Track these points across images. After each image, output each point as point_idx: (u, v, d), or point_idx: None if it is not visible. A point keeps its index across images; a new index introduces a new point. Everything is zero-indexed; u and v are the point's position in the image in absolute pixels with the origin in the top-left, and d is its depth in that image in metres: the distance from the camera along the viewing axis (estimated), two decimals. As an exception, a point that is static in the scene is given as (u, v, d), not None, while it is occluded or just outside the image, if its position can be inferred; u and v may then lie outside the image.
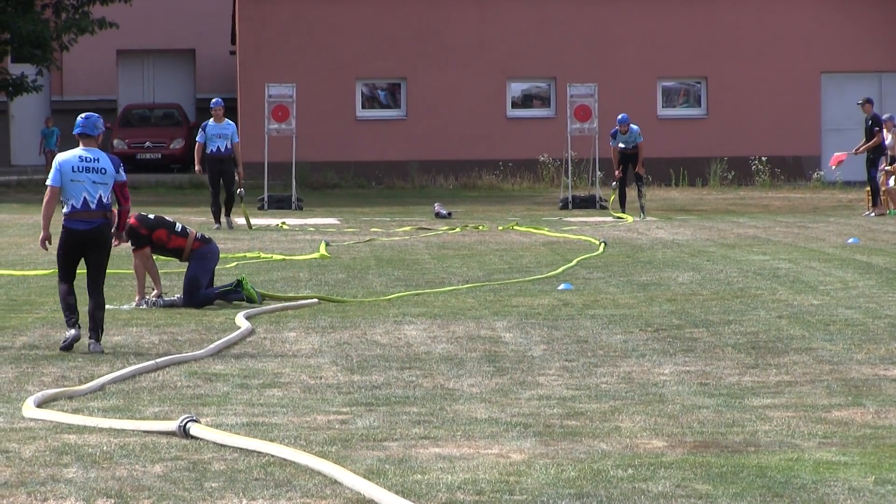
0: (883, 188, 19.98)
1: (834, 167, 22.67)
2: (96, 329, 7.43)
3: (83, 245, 7.57)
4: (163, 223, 9.93)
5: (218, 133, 17.50)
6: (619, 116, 20.51)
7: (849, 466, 4.15)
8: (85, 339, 7.48)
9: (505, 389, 6.23)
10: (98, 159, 7.56)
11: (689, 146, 28.34)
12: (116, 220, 7.84)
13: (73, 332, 7.35)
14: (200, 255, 9.90)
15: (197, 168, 18.00)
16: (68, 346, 7.37)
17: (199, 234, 10.15)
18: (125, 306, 9.78)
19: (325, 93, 27.88)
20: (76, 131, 7.73)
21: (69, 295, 7.51)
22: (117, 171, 7.63)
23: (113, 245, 7.89)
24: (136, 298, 9.80)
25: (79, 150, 7.64)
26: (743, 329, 8.49)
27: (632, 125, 20.30)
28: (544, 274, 12.22)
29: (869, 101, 20.94)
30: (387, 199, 25.77)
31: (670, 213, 21.51)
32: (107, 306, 7.95)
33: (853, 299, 10.17)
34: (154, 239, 9.74)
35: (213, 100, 18.69)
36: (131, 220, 9.09)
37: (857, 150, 20.73)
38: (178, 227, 10.01)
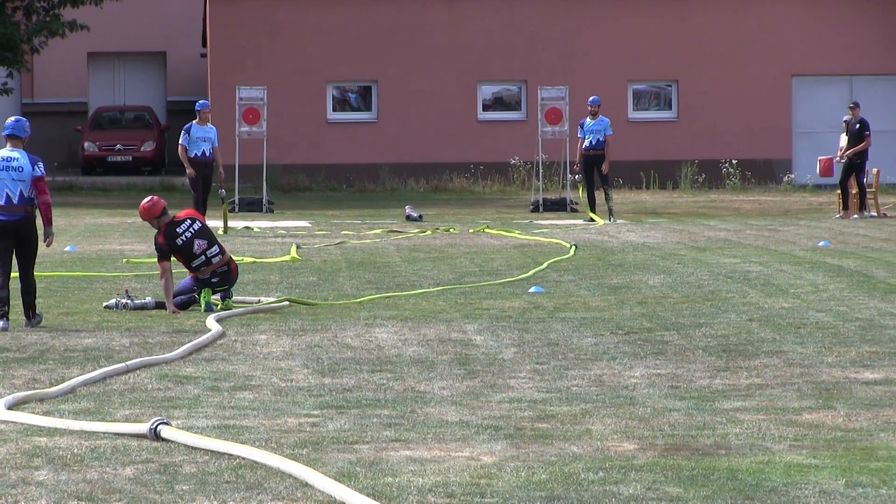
0: (870, 189, 20.54)
1: (820, 174, 22.82)
2: (27, 310, 8.50)
3: (9, 236, 8.49)
4: (183, 253, 9.87)
5: (202, 136, 17.13)
6: (591, 98, 20.50)
7: (819, 469, 4.19)
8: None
9: (476, 392, 6.24)
10: (17, 158, 8.54)
11: (659, 149, 28.56)
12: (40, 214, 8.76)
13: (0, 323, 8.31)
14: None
15: (189, 171, 17.19)
16: None
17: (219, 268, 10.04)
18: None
19: (295, 96, 27.86)
20: (5, 132, 8.77)
21: (2, 288, 8.43)
22: (33, 168, 8.57)
23: (45, 244, 8.82)
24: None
25: (4, 151, 8.68)
26: (714, 332, 8.57)
27: (602, 116, 20.26)
28: (515, 277, 12.26)
29: (857, 105, 21.35)
30: (358, 202, 25.84)
31: (641, 217, 21.67)
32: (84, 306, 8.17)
33: (824, 302, 10.30)
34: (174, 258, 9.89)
35: (200, 101, 18.36)
36: (159, 238, 9.74)
37: (841, 154, 20.89)
38: (201, 259, 9.89)
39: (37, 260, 8.99)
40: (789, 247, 15.82)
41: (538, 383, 6.51)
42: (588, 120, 20.14)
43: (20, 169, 8.52)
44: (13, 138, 8.73)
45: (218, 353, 7.74)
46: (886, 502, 3.65)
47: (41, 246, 8.83)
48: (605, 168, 19.87)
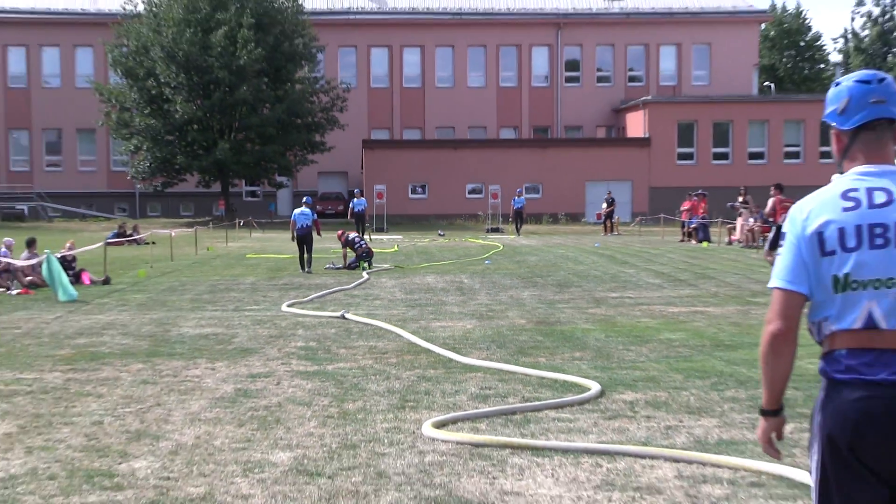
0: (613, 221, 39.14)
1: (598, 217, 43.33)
2: (305, 266, 20.56)
3: (303, 242, 20.58)
4: (353, 244, 21.15)
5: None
6: (518, 191, 40.26)
7: (597, 330, 11.60)
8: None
9: (464, 301, 14.37)
10: (308, 212, 20.88)
11: (535, 207, 44.94)
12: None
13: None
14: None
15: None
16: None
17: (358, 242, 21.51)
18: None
19: (394, 187, 46.78)
20: (306, 201, 22.00)
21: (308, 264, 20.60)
22: (312, 214, 21.01)
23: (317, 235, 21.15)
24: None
25: (301, 209, 21.02)
26: (555, 279, 17.68)
27: (520, 197, 39.17)
28: (480, 257, 23.20)
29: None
30: (415, 229, 42.09)
31: (529, 234, 38.37)
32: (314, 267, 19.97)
33: (597, 267, 20.17)
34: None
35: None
36: (342, 239, 21.49)
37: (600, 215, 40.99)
38: (360, 245, 21.25)
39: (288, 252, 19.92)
40: (585, 245, 29.01)
41: (488, 298, 14.67)
42: (517, 198, 38.98)
43: (308, 215, 20.42)
44: (307, 204, 21.10)
45: (366, 286, 16.76)
46: (617, 343, 11.49)
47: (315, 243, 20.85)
48: (521, 217, 39.03)
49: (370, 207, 38.85)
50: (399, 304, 14.00)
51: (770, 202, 23.95)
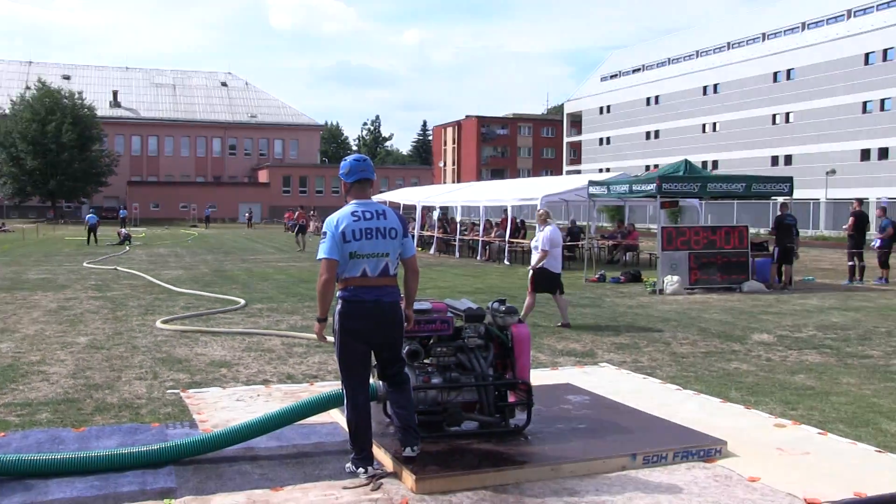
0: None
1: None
2: None
3: None
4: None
5: None
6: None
7: (242, 275, 19.07)
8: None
9: (178, 260, 21.31)
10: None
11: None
12: None
13: None
14: None
15: None
16: None
17: None
18: None
19: None
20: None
21: None
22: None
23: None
24: None
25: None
26: (223, 249, 26.09)
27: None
28: (186, 239, 30.13)
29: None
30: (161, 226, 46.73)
31: (213, 228, 40.32)
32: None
33: (242, 242, 28.07)
34: None
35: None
36: None
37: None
38: None
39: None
40: (237, 232, 36.89)
41: (192, 259, 22.03)
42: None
43: (94, 217, 30.24)
44: (93, 212, 30.41)
45: (129, 254, 22.62)
46: (254, 280, 18.61)
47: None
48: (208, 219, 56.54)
49: (130, 214, 71.66)
50: (145, 263, 22.52)
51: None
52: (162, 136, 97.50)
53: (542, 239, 12.78)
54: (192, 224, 74.11)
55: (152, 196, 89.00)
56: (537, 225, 13.11)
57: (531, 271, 13.00)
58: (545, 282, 12.88)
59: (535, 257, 12.96)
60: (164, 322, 12.92)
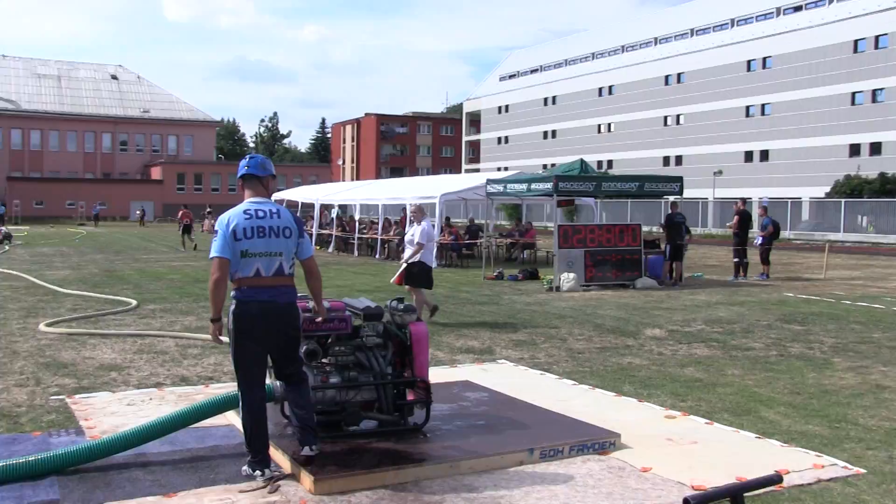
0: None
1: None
2: None
3: None
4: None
5: None
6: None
7: (134, 275, 18.52)
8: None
9: (64, 260, 20.30)
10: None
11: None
12: None
13: None
14: None
15: None
16: None
17: None
18: None
19: None
20: None
21: None
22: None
23: None
24: None
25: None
26: (114, 248, 24.36)
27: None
28: (74, 237, 28.27)
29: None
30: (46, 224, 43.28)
31: (103, 226, 38.18)
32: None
33: (136, 242, 27.49)
34: None
35: None
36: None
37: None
38: None
39: None
40: (131, 231, 36.75)
41: (79, 259, 20.78)
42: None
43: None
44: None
45: (8, 254, 21.15)
46: (146, 280, 18.10)
47: None
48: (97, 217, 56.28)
49: (10, 212, 70.40)
50: (27, 262, 21.00)
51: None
52: (46, 129, 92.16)
53: (418, 233, 12.96)
54: (80, 222, 71.43)
55: (35, 193, 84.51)
56: (410, 221, 13.31)
57: (404, 265, 13.13)
58: (420, 274, 13.02)
59: (408, 251, 13.12)
60: (49, 325, 12.42)
